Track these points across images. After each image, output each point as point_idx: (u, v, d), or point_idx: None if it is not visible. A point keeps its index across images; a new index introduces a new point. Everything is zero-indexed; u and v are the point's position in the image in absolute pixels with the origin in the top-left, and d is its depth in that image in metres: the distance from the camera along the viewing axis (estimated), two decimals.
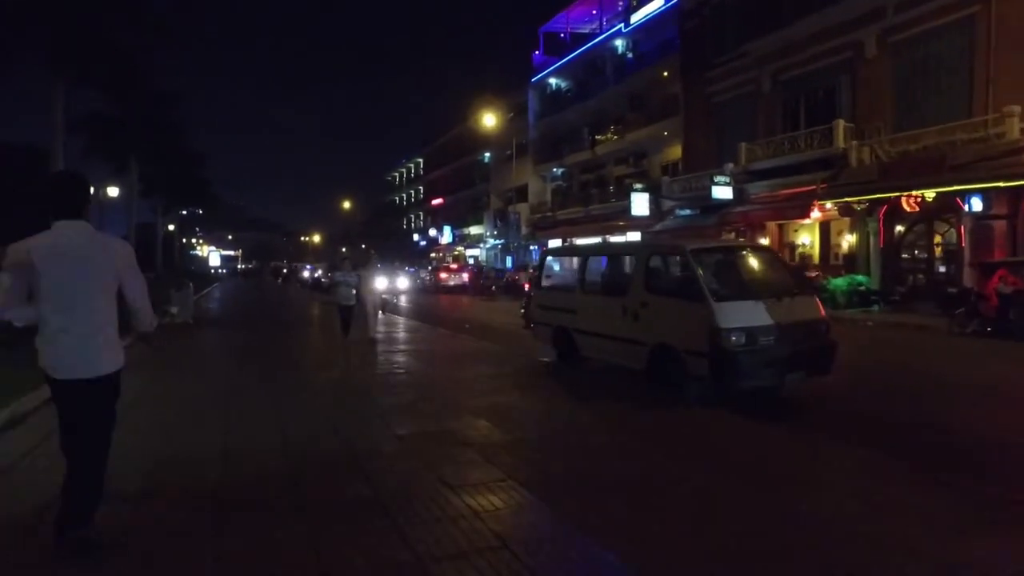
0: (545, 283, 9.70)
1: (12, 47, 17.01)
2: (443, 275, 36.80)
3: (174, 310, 14.56)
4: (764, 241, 23.87)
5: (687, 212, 27.57)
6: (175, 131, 36.14)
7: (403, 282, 29.42)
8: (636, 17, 32.51)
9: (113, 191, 26.47)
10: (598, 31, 40.18)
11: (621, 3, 35.78)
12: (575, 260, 8.90)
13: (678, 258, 7.05)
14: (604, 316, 7.81)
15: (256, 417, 6.09)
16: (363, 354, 10.48)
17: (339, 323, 11.95)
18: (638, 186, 28.36)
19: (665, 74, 31.13)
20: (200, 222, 75.47)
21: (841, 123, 20.31)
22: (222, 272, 74.81)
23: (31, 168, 25.27)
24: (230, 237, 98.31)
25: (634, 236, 29.99)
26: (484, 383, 7.74)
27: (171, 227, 46.23)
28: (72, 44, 17.48)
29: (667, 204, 27.68)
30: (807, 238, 24.18)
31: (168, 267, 43.03)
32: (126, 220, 30.21)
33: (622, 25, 33.66)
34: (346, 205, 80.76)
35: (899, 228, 19.72)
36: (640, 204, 27.92)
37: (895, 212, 19.12)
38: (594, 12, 37.69)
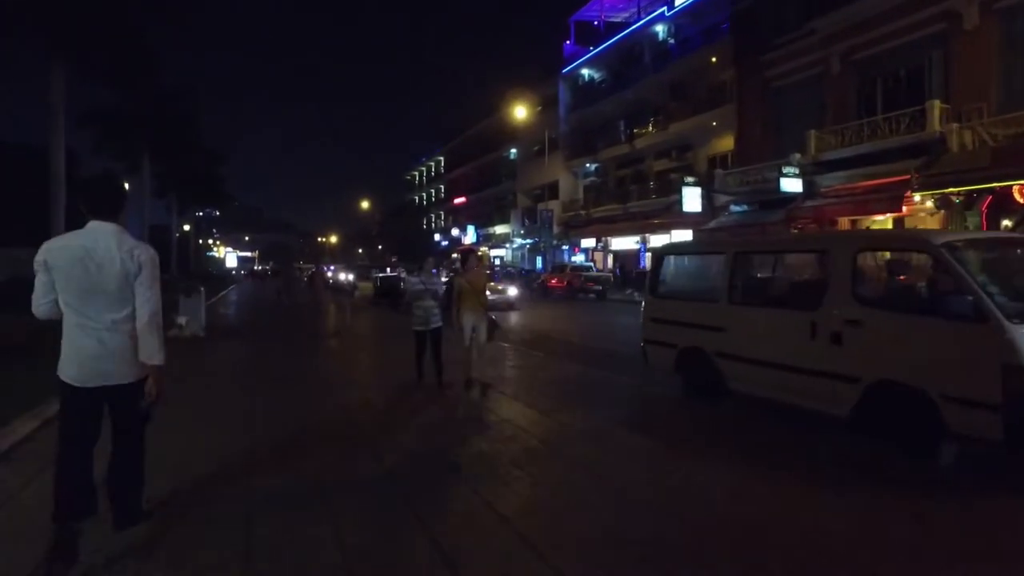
0: (662, 290, 7.54)
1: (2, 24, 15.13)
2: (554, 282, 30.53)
3: (182, 320, 12.44)
4: None
5: (742, 208, 25.29)
6: (190, 127, 34.42)
7: (513, 291, 22.48)
8: (681, 0, 30.23)
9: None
10: (634, 18, 37.96)
11: None
12: (718, 259, 6.68)
13: (922, 256, 4.82)
14: (775, 337, 5.62)
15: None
16: (463, 405, 7.02)
17: (414, 357, 8.00)
18: (689, 180, 26.08)
19: (713, 60, 28.82)
20: (217, 223, 74.27)
21: (936, 104, 17.93)
22: (241, 273, 73.38)
23: (28, 167, 23.38)
24: (247, 238, 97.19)
25: (683, 235, 27.77)
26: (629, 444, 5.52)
27: (186, 227, 44.58)
28: (70, 20, 15.55)
29: (721, 199, 25.39)
30: None
31: (183, 269, 41.37)
32: (138, 220, 28.45)
33: (665, 8, 31.38)
34: (364, 205, 79.04)
35: (1006, 223, 17.30)
36: (692, 199, 25.63)
37: (1002, 204, 16.73)
38: None
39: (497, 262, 49.14)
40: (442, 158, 69.93)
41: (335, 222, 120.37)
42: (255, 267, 78.65)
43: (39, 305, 3.01)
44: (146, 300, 3.03)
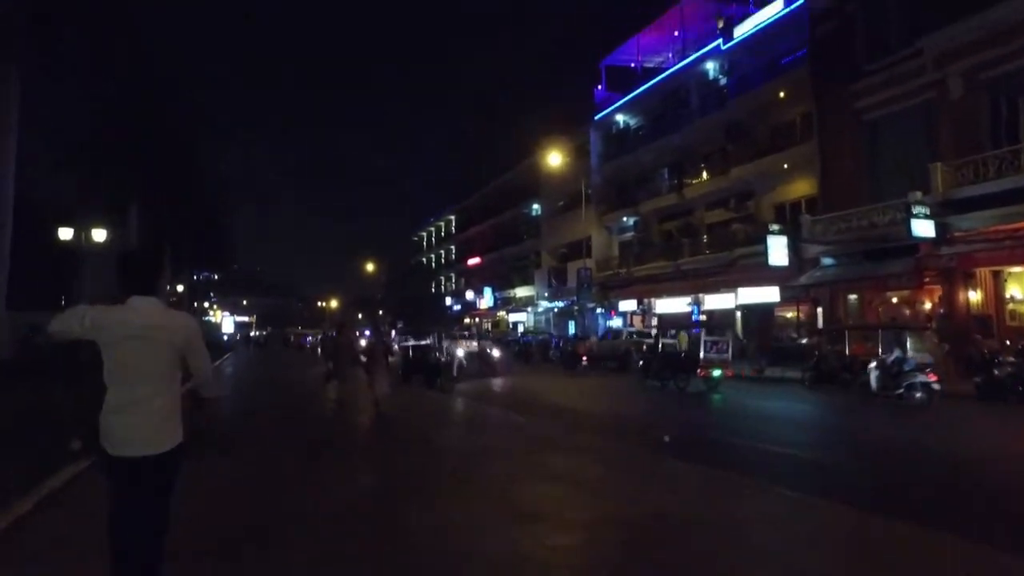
0: None
1: None
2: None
3: None
4: (974, 295, 17.36)
5: (832, 261, 21.28)
6: (193, 169, 30.90)
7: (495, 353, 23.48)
8: (741, 31, 27.13)
9: (100, 234, 20.52)
10: (668, 62, 35.18)
11: (711, 23, 30.66)
12: None
13: None
14: None
15: None
16: None
17: None
18: (775, 227, 22.08)
19: (781, 95, 25.44)
20: (214, 286, 70.39)
21: None
22: (236, 339, 68.76)
23: None
24: (244, 302, 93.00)
25: (767, 293, 23.64)
26: None
27: (180, 288, 40.48)
28: None
29: (810, 250, 21.35)
30: (1017, 290, 17.60)
31: None
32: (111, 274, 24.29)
33: (720, 41, 28.29)
34: (369, 267, 75.25)
35: None
36: (778, 251, 21.57)
37: None
38: (676, 33, 32.56)
39: (520, 328, 44.89)
40: (453, 217, 66.71)
41: (336, 286, 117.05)
42: (251, 333, 74.17)
43: (62, 329, 2.99)
44: (201, 368, 3.19)
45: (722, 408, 13.82)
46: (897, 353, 13.16)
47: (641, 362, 19.48)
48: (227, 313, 78.31)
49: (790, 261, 21.60)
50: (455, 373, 19.11)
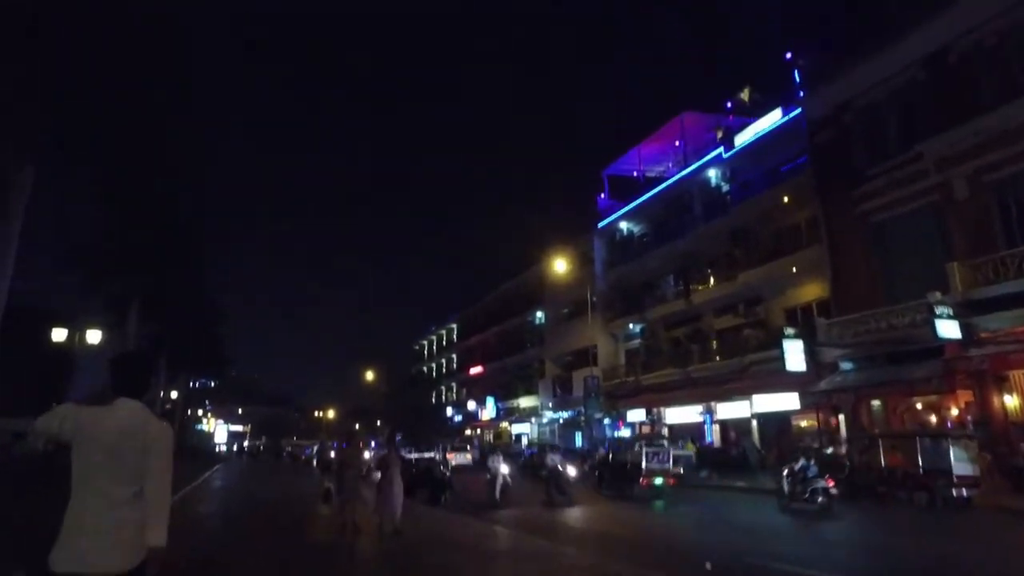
0: None
1: None
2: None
3: None
4: (1010, 400, 16.33)
5: (851, 365, 20.38)
6: (195, 279, 30.70)
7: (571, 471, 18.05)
8: (741, 139, 27.81)
9: (95, 335, 19.86)
10: (669, 171, 36.05)
11: (710, 133, 31.61)
12: None
13: None
14: None
15: None
16: None
17: None
18: (789, 331, 21.35)
19: (784, 200, 25.61)
20: (210, 394, 68.82)
21: None
22: (225, 450, 66.18)
23: None
24: (240, 411, 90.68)
25: (784, 400, 22.56)
26: None
27: (174, 394, 39.25)
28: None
29: (828, 354, 20.49)
30: None
31: None
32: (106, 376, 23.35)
33: (721, 150, 28.94)
34: (368, 376, 73.86)
35: None
36: (795, 356, 20.71)
37: None
38: (677, 143, 33.49)
39: (524, 440, 43.12)
40: (455, 325, 66.28)
41: (334, 396, 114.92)
42: (245, 443, 71.54)
43: (43, 430, 2.97)
44: (159, 474, 2.99)
45: (767, 528, 12.40)
46: (802, 462, 13.70)
47: (596, 472, 20.26)
48: (220, 421, 76.09)
49: (807, 366, 20.69)
50: (498, 495, 15.71)
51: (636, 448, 17.83)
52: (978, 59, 18.63)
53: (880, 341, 18.64)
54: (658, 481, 16.70)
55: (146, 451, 2.93)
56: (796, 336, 21.04)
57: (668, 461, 17.45)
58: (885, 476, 13.69)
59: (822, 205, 22.88)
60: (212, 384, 64.90)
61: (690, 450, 25.85)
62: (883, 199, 20.53)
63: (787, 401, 22.37)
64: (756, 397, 24.96)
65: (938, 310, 16.01)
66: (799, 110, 24.34)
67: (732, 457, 24.24)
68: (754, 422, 25.41)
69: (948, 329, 15.99)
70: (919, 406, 19.27)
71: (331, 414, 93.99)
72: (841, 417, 20.48)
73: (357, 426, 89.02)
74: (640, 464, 17.11)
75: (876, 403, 19.61)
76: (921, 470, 12.55)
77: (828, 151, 22.74)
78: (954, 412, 18.40)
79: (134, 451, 2.91)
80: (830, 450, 20.17)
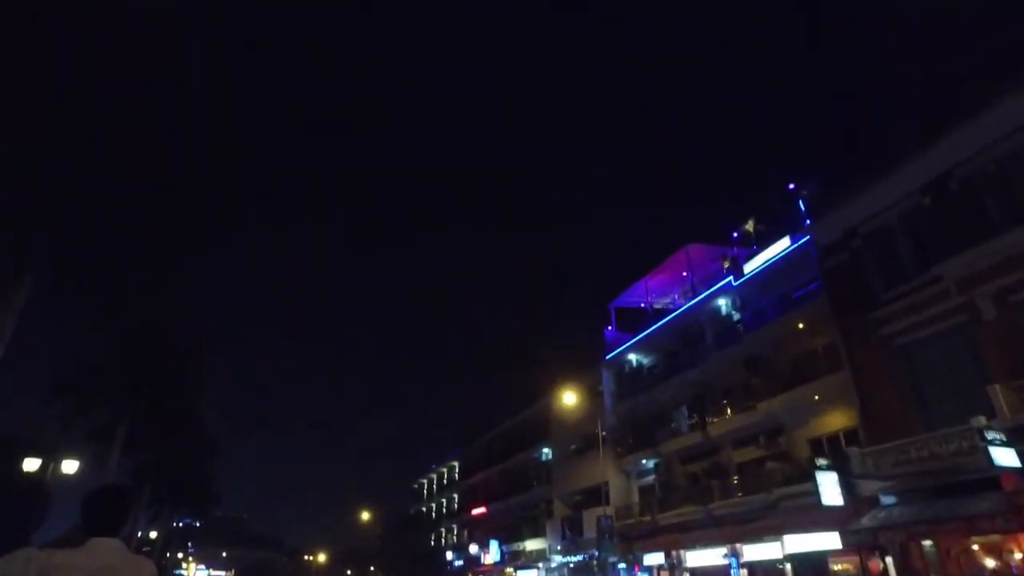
0: None
1: None
2: None
3: None
4: None
5: (894, 499, 18.75)
6: (187, 405, 29.60)
7: None
8: (750, 267, 27.82)
9: (71, 465, 18.46)
10: (675, 302, 35.97)
11: (717, 264, 31.79)
12: None
13: None
14: None
15: None
16: None
17: None
18: (822, 463, 19.88)
19: (800, 326, 25.08)
20: (192, 534, 64.38)
21: None
22: None
23: None
24: (224, 554, 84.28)
25: (820, 540, 20.63)
26: None
27: (153, 535, 36.47)
28: None
29: (867, 487, 18.91)
30: None
31: None
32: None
33: (731, 279, 28.88)
34: (364, 516, 69.63)
35: None
36: (831, 490, 19.10)
37: None
38: (684, 274, 33.60)
39: None
40: (456, 464, 63.44)
41: (325, 539, 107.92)
42: None
43: None
44: None
45: None
46: None
47: None
48: (202, 567, 70.58)
49: (844, 500, 19.03)
50: None
51: None
52: (980, 185, 18.86)
53: (924, 472, 17.21)
54: None
55: None
56: (829, 468, 19.55)
57: None
58: None
59: (840, 330, 22.29)
60: (196, 524, 60.94)
61: None
62: (905, 322, 19.97)
63: (825, 541, 20.40)
64: (788, 537, 22.87)
65: (989, 436, 14.85)
66: (807, 237, 24.51)
67: None
68: (787, 565, 23.09)
69: (1005, 457, 14.73)
70: (975, 547, 17.44)
71: (322, 558, 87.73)
72: (889, 560, 18.50)
73: (349, 573, 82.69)
74: None
75: (927, 543, 17.77)
76: None
77: (841, 276, 22.55)
78: (1018, 556, 16.61)
79: None
80: None
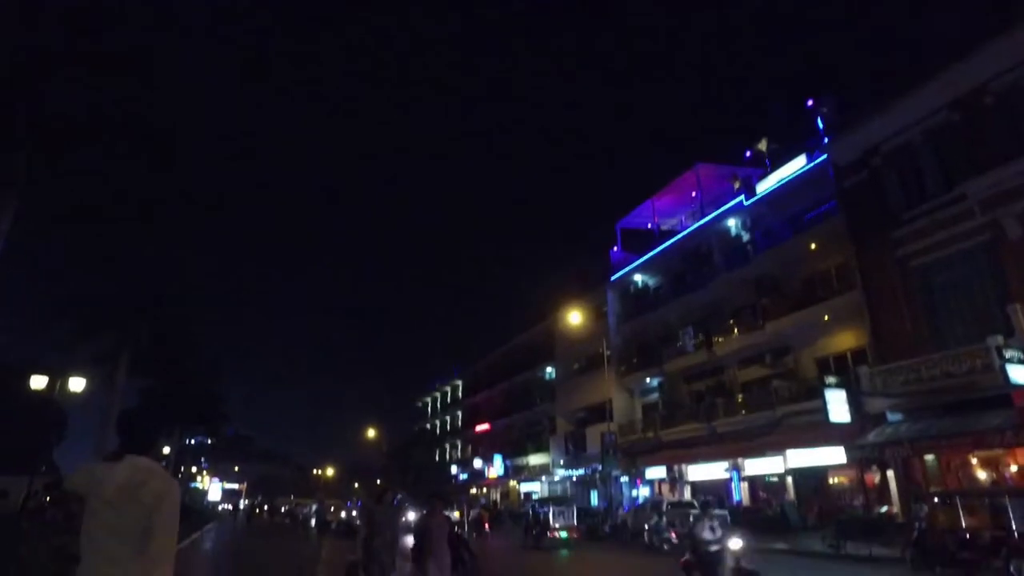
0: None
1: None
2: None
3: None
4: None
5: (900, 416, 19.02)
6: (190, 328, 29.58)
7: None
8: (763, 187, 27.21)
9: (78, 383, 18.46)
10: (681, 224, 35.50)
11: (726, 184, 31.11)
12: None
13: None
14: None
15: None
16: None
17: None
18: (831, 380, 20.08)
19: (812, 247, 24.77)
20: (205, 451, 66.42)
21: None
22: (224, 508, 63.11)
23: None
24: (236, 469, 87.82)
25: (823, 455, 21.12)
26: None
27: (166, 450, 37.42)
28: None
29: (875, 405, 19.15)
30: None
31: None
32: (97, 429, 21.89)
33: (742, 198, 28.32)
34: (371, 433, 71.54)
35: None
36: (839, 407, 19.36)
37: None
38: (693, 194, 32.97)
39: (535, 498, 40.97)
40: (460, 382, 64.57)
41: (331, 455, 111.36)
42: (241, 501, 68.43)
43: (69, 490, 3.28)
44: (160, 531, 2.85)
45: None
46: None
47: (525, 524, 24.79)
48: (216, 479, 73.35)
49: (852, 417, 19.31)
50: None
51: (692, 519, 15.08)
52: (1015, 99, 18.10)
53: (934, 390, 17.37)
54: (563, 534, 22.15)
55: (147, 508, 2.86)
56: (838, 386, 19.73)
57: (573, 519, 23.11)
58: (967, 541, 12.19)
59: (856, 251, 21.98)
60: (208, 442, 62.70)
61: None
62: (924, 242, 19.65)
63: (829, 456, 20.91)
64: (791, 452, 23.45)
65: (1007, 354, 14.84)
66: (824, 156, 23.78)
67: (767, 517, 22.52)
68: (789, 479, 23.80)
69: (1022, 375, 14.77)
70: (975, 461, 17.85)
71: (330, 472, 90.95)
72: (890, 473, 19.00)
73: (356, 485, 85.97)
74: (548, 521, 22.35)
75: (929, 457, 18.17)
76: (1016, 534, 11.12)
77: (859, 195, 22.02)
78: (1013, 468, 17.02)
79: (134, 508, 2.85)
80: (884, 508, 18.67)
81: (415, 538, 8.25)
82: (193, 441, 57.56)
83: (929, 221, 19.47)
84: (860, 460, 19.36)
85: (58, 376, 18.17)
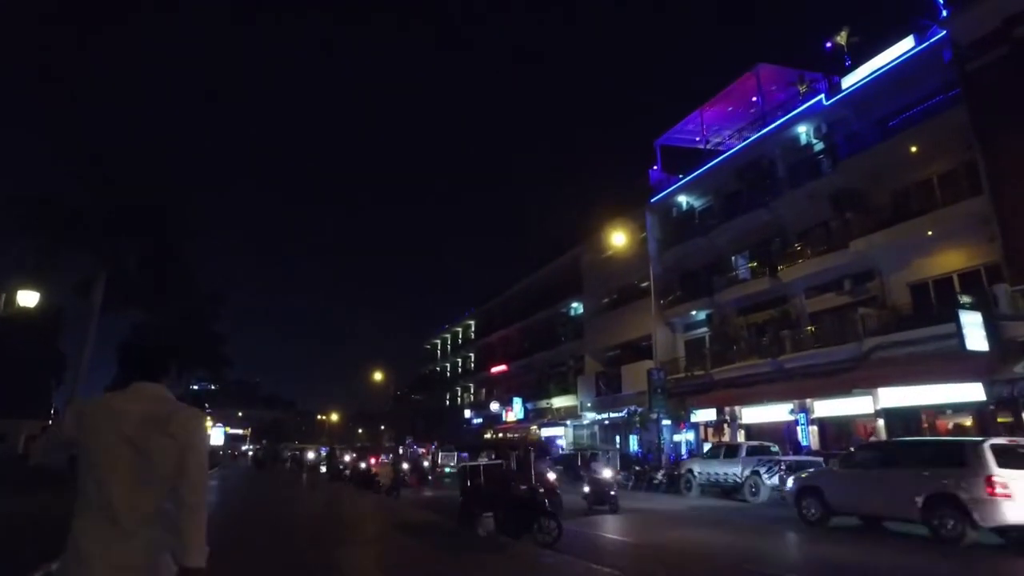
0: None
1: None
2: None
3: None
4: None
5: None
6: (179, 251, 25.86)
7: None
8: (851, 80, 23.04)
9: (29, 297, 14.93)
10: (725, 143, 31.44)
11: (789, 89, 26.91)
12: None
13: None
14: None
15: None
16: None
17: None
18: (966, 300, 16.46)
19: (912, 150, 20.85)
20: (208, 396, 63.96)
21: None
22: (225, 454, 61.16)
23: None
24: (240, 414, 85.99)
25: (916, 394, 17.77)
26: None
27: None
28: None
29: (1016, 331, 15.63)
30: None
31: None
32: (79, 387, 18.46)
33: (822, 97, 24.21)
34: (377, 376, 68.87)
35: None
36: (975, 333, 15.78)
37: None
38: (754, 99, 28.77)
39: (562, 444, 38.20)
40: (472, 322, 61.38)
41: (336, 400, 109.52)
42: (246, 447, 66.48)
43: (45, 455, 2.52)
44: (195, 474, 2.27)
45: None
46: None
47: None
48: (219, 424, 71.36)
49: (989, 345, 15.81)
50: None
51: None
52: None
53: None
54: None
55: (179, 444, 2.29)
56: (974, 307, 16.13)
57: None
58: None
59: (983, 148, 18.09)
60: (212, 387, 60.05)
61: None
62: None
63: (951, 393, 17.52)
64: (882, 391, 20.15)
65: None
66: (939, 35, 19.62)
67: None
68: (880, 421, 20.56)
69: None
70: None
71: (335, 417, 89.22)
72: None
73: (361, 431, 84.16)
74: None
75: None
76: None
77: (992, 80, 17.95)
78: None
79: (163, 444, 2.26)
80: None
81: None
82: (196, 386, 54.81)
83: None
84: (1000, 399, 15.96)
85: (6, 288, 14.58)
